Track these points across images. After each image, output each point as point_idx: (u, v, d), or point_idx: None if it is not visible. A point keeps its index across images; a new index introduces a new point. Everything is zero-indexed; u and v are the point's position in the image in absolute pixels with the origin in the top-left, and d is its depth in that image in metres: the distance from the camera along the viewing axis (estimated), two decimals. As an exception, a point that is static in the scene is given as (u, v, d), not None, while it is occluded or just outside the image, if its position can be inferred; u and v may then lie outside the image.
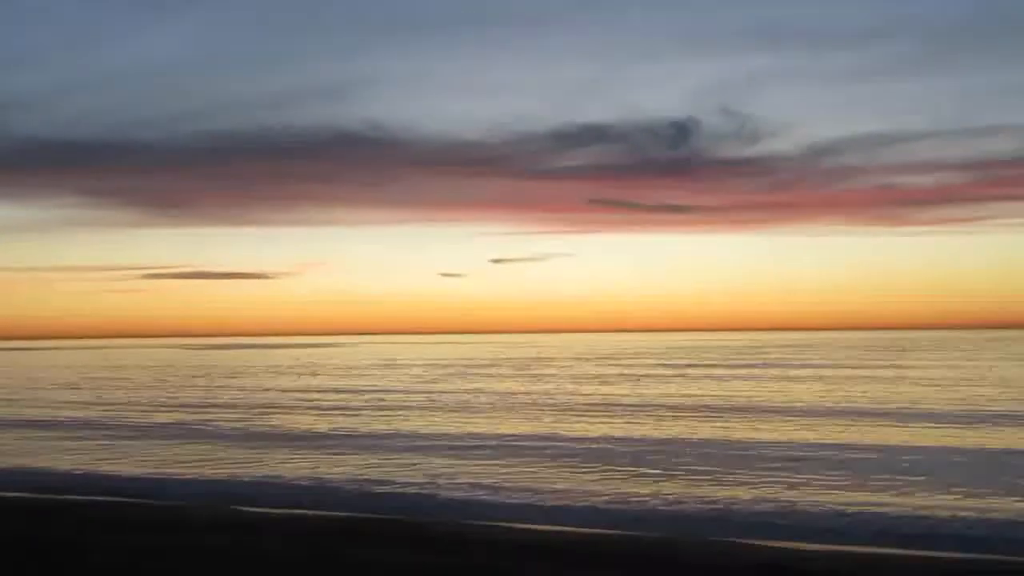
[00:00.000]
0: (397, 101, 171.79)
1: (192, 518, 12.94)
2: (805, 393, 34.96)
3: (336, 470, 17.74)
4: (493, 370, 58.31)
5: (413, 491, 15.47)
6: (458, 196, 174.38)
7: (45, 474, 18.00)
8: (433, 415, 28.52)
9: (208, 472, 17.95)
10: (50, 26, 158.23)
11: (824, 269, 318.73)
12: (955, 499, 13.89)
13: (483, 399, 34.40)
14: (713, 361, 67.48)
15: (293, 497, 15.19)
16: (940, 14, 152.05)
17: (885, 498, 14.07)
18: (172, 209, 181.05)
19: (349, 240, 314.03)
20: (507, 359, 77.84)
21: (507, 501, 14.52)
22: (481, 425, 25.40)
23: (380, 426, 25.57)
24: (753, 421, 25.39)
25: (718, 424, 24.76)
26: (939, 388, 36.38)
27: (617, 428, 24.25)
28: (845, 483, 15.40)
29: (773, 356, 75.72)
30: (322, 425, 26.10)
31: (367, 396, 36.73)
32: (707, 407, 29.69)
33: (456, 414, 28.80)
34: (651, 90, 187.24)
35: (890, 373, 48.00)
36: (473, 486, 15.66)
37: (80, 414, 30.80)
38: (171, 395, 39.26)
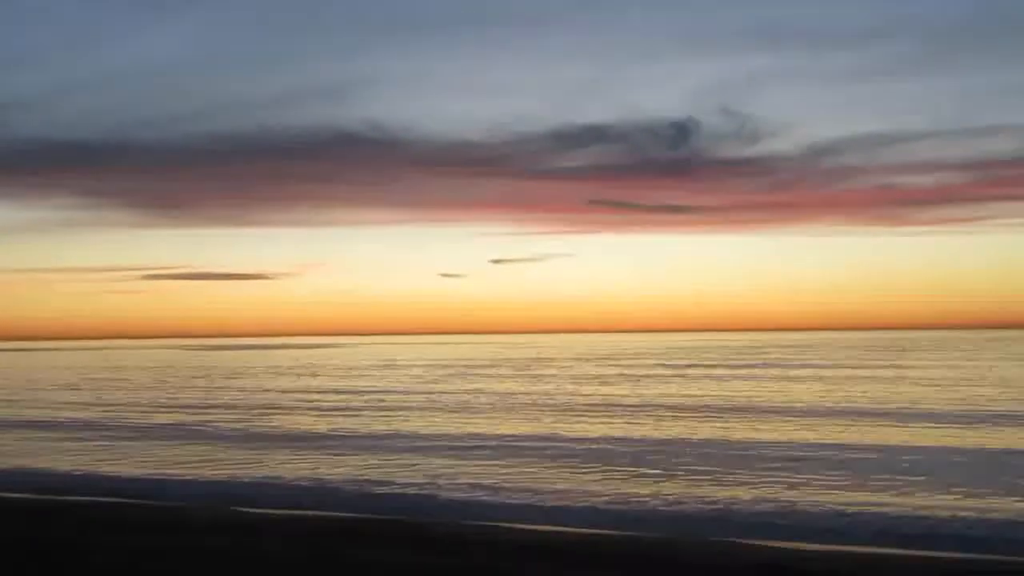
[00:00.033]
0: (397, 101, 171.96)
1: (192, 519, 12.94)
2: (805, 393, 34.96)
3: (336, 471, 17.74)
4: (493, 370, 58.31)
5: (413, 492, 15.47)
6: (458, 196, 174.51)
7: (45, 475, 18.01)
8: (433, 416, 28.53)
9: (208, 473, 17.96)
10: (50, 26, 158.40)
11: (824, 269, 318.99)
12: (955, 499, 13.89)
13: (483, 399, 34.40)
14: (713, 361, 67.48)
15: (293, 498, 15.20)
16: (940, 14, 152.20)
17: (885, 498, 14.07)
18: (172, 210, 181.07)
19: (349, 240, 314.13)
20: (507, 359, 77.83)
21: (507, 501, 14.52)
22: (481, 425, 25.41)
23: (380, 427, 25.57)
24: (753, 421, 25.39)
25: (718, 424, 24.77)
26: (939, 388, 36.38)
27: (617, 428, 24.25)
28: (845, 483, 15.41)
29: (773, 356, 75.71)
30: (322, 426, 26.10)
31: (367, 397, 36.73)
32: (707, 407, 29.69)
33: (456, 415, 28.81)
34: (651, 90, 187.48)
35: (890, 373, 48.00)
36: (473, 486, 15.67)
37: (80, 415, 30.81)
38: (171, 396, 39.27)
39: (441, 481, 16.23)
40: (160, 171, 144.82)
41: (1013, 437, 21.45)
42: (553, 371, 56.46)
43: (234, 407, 32.84)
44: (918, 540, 11.48)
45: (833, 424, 24.32)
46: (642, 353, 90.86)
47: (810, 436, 21.81)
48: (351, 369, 63.72)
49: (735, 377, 46.85)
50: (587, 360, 74.16)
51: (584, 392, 37.61)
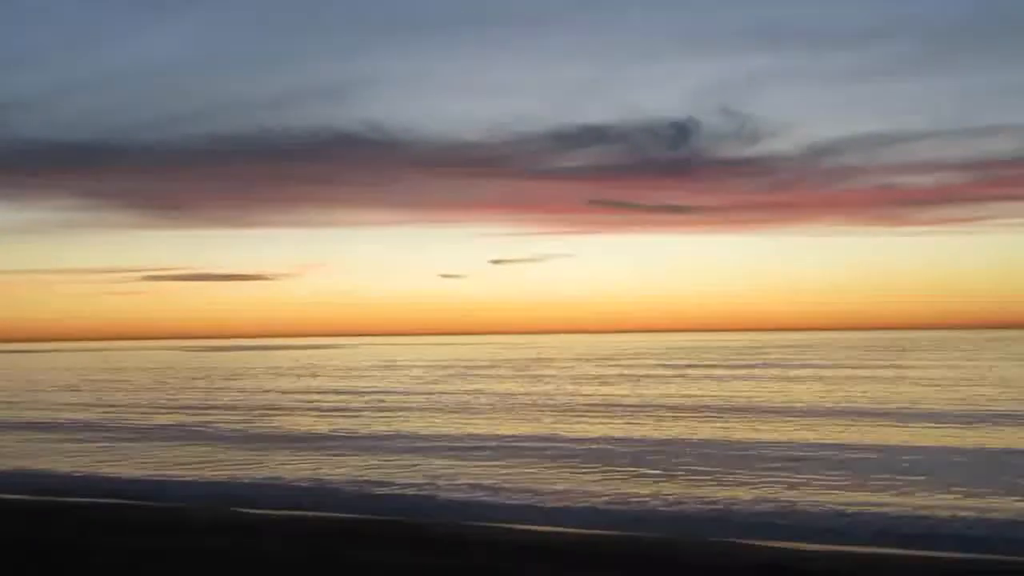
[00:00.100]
0: (397, 101, 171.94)
1: (192, 520, 12.94)
2: (805, 393, 34.97)
3: (336, 471, 17.74)
4: (493, 371, 58.31)
5: (413, 492, 15.47)
6: (458, 197, 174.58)
7: (45, 476, 18.02)
8: (433, 416, 28.53)
9: (208, 474, 17.96)
10: (50, 26, 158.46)
11: (824, 269, 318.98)
12: (955, 499, 13.90)
13: (483, 400, 34.40)
14: (713, 361, 67.48)
15: (293, 499, 15.20)
16: (940, 14, 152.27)
17: (885, 498, 14.07)
18: (172, 211, 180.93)
19: (349, 241, 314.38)
20: (507, 360, 77.84)
21: (507, 502, 14.53)
22: (481, 426, 25.41)
23: (380, 427, 25.57)
24: (753, 421, 25.40)
25: (718, 424, 24.77)
26: (939, 388, 36.38)
27: (617, 429, 24.25)
28: (845, 483, 15.41)
29: (773, 356, 75.71)
30: (322, 426, 26.10)
31: (367, 397, 36.73)
32: (707, 407, 29.70)
33: (456, 415, 28.81)
34: (651, 90, 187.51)
35: (890, 373, 48.01)
36: (473, 487, 15.67)
37: (80, 416, 30.81)
38: (171, 397, 39.27)
39: (441, 482, 16.23)
40: (160, 172, 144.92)
41: (1013, 437, 21.46)
42: (553, 371, 56.45)
43: (234, 408, 32.84)
44: (918, 540, 11.48)
45: (833, 424, 24.33)
46: (642, 353, 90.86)
47: (810, 436, 21.81)
48: (351, 370, 63.72)
49: (735, 377, 46.85)
50: (587, 360, 74.16)
51: (584, 392, 37.61)
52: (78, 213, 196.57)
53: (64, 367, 79.03)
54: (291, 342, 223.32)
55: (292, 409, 32.12)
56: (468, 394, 37.66)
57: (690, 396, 34.63)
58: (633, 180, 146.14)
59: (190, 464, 19.22)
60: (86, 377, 59.75)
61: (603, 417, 27.37)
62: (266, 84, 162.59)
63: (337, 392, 40.39)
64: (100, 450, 21.93)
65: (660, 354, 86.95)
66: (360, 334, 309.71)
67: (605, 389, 39.60)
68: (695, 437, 22.00)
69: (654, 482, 15.89)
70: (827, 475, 16.23)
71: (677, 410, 29.03)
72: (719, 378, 46.28)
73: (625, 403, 31.90)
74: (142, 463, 19.56)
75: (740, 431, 23.10)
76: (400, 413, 29.75)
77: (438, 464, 18.40)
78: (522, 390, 39.57)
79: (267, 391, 42.13)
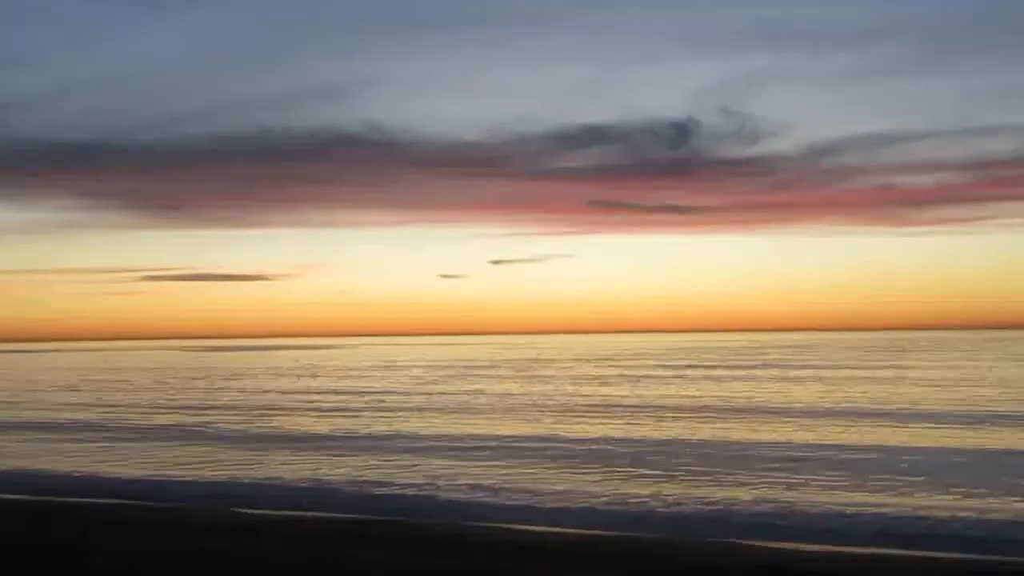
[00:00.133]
0: (397, 101, 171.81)
1: (192, 520, 12.95)
2: (805, 394, 34.97)
3: (336, 472, 17.75)
4: (493, 371, 58.32)
5: (413, 493, 15.48)
6: (458, 197, 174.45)
7: (45, 476, 18.02)
8: (433, 416, 28.54)
9: (208, 474, 17.97)
10: (50, 26, 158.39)
11: (824, 269, 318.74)
12: (954, 500, 13.91)
13: (483, 400, 34.41)
14: (713, 362, 67.49)
15: (293, 499, 15.21)
16: (940, 14, 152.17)
17: (885, 499, 14.08)
18: (172, 211, 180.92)
19: (349, 241, 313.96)
20: (507, 360, 77.84)
21: (507, 502, 14.54)
22: (481, 426, 25.41)
23: (380, 428, 25.58)
24: (753, 422, 25.40)
25: (718, 425, 24.77)
26: (939, 389, 36.39)
27: (617, 429, 24.26)
28: (845, 484, 15.42)
29: (773, 357, 75.72)
30: (322, 427, 26.11)
31: (367, 398, 36.74)
32: (707, 408, 29.71)
33: (456, 415, 28.81)
34: (651, 90, 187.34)
35: (890, 374, 48.01)
36: (473, 487, 15.68)
37: (80, 416, 30.81)
38: (171, 397, 39.28)
39: (441, 482, 16.24)
40: (160, 172, 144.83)
41: (1013, 437, 21.47)
42: (553, 372, 56.47)
43: (234, 408, 32.84)
44: (918, 541, 11.49)
45: (833, 425, 24.34)
46: (642, 354, 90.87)
47: (810, 437, 21.82)
48: (351, 370, 63.73)
49: (735, 378, 46.85)
50: (587, 361, 74.17)
51: (584, 393, 37.61)
52: (78, 213, 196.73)
53: (64, 367, 79.03)
54: (291, 342, 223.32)
55: (292, 409, 32.12)
56: (468, 394, 37.67)
57: (690, 396, 34.64)
58: (633, 180, 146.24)
59: (190, 464, 19.23)
60: (86, 377, 59.75)
61: (603, 417, 27.38)
62: (266, 84, 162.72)
63: (337, 392, 40.39)
64: (100, 450, 21.94)
65: (660, 354, 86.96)
66: (360, 334, 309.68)
67: (605, 389, 39.61)
68: (695, 438, 22.01)
69: (654, 483, 15.89)
70: (826, 476, 16.24)
71: (677, 410, 29.04)
72: (719, 378, 46.29)
73: (625, 403, 31.91)
74: (142, 463, 19.57)
75: (740, 432, 23.11)
76: (400, 413, 29.76)
77: (438, 464, 18.41)
78: (522, 390, 39.58)
79: (267, 391, 42.13)
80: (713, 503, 13.91)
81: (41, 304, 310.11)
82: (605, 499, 14.51)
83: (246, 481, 17.01)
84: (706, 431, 23.36)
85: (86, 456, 20.91)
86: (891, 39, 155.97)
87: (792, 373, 50.24)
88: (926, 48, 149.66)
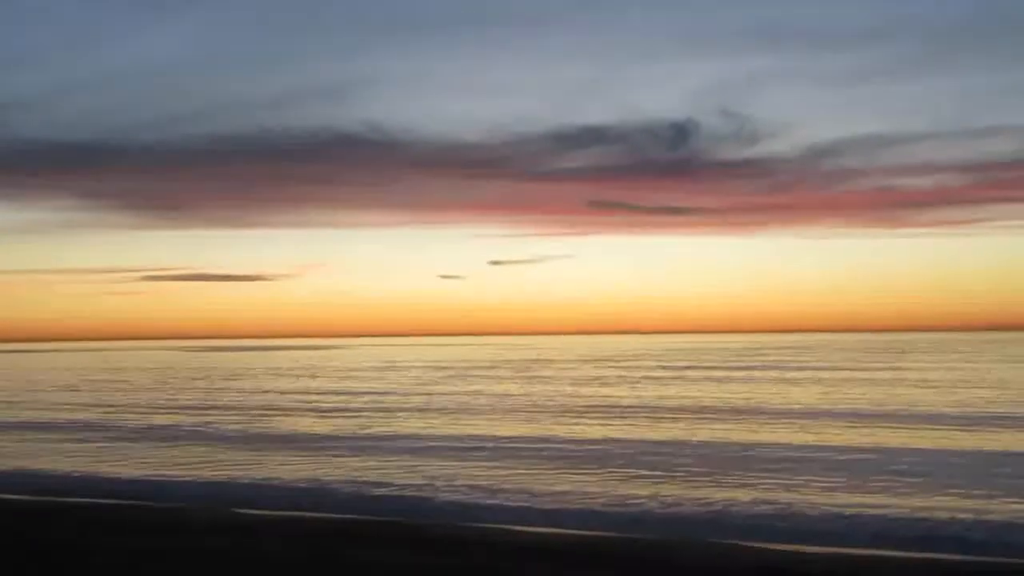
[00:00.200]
0: (397, 102, 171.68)
1: (192, 520, 12.97)
2: (804, 395, 34.99)
3: (335, 472, 17.76)
4: (492, 372, 58.34)
5: (412, 493, 15.48)
6: (457, 197, 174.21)
7: (45, 476, 18.03)
8: (432, 417, 28.55)
9: (207, 474, 17.98)
10: (50, 26, 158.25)
11: (823, 271, 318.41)
12: (953, 501, 13.92)
13: (482, 401, 34.42)
14: (712, 363, 67.51)
15: (292, 499, 15.23)
16: (940, 14, 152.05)
17: (884, 500, 14.10)
18: (171, 211, 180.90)
19: (349, 242, 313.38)
20: (506, 361, 77.86)
21: (506, 503, 14.54)
22: (480, 427, 25.43)
23: (379, 428, 25.60)
24: (752, 423, 25.42)
25: (717, 426, 24.79)
26: (937, 390, 36.41)
27: (616, 430, 24.27)
28: (843, 485, 15.44)
29: (772, 358, 75.73)
30: (321, 427, 26.13)
31: (366, 398, 36.76)
32: (706, 409, 29.72)
33: (455, 416, 28.82)
34: (650, 91, 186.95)
35: (888, 375, 48.03)
36: (472, 488, 15.68)
37: (80, 416, 30.82)
38: (170, 397, 39.29)
39: (439, 483, 16.24)
40: (160, 172, 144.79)
41: (1011, 439, 21.48)
42: (552, 373, 56.48)
43: (233, 408, 32.86)
44: (917, 542, 11.50)
45: (832, 426, 24.35)
46: (641, 354, 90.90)
47: (808, 438, 21.84)
48: (350, 370, 63.74)
49: (734, 379, 46.87)
50: (586, 361, 74.19)
51: (583, 394, 37.63)
52: (78, 213, 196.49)
53: (64, 367, 79.03)
54: (290, 343, 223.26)
55: (291, 410, 32.14)
56: (467, 395, 37.68)
57: (689, 397, 34.65)
58: (632, 181, 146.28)
59: (189, 464, 19.24)
60: (86, 377, 59.75)
61: (602, 418, 27.39)
62: (266, 84, 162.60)
63: (336, 393, 40.40)
64: (100, 450, 21.95)
65: (659, 355, 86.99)
66: (359, 335, 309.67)
67: (604, 390, 39.62)
68: (693, 439, 22.03)
69: (652, 484, 15.90)
70: (825, 477, 16.26)
71: (676, 412, 29.06)
72: (718, 379, 46.30)
73: (624, 404, 31.92)
74: (142, 463, 19.58)
75: (739, 433, 23.13)
76: (399, 414, 29.78)
77: (437, 465, 18.42)
78: (521, 391, 39.59)
79: (266, 392, 42.14)
80: (712, 504, 13.92)
81: (41, 304, 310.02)
82: (604, 500, 14.53)
83: (245, 481, 17.02)
84: (705, 432, 23.38)
85: (86, 456, 20.92)
86: (891, 40, 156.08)
87: (791, 374, 50.26)
88: (926, 49, 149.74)
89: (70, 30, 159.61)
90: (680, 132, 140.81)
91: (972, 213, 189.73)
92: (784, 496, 14.44)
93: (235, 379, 53.91)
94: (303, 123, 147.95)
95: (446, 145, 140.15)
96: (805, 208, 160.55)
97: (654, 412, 29.00)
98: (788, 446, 20.44)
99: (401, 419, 28.11)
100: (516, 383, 45.90)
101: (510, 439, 22.48)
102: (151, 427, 27.01)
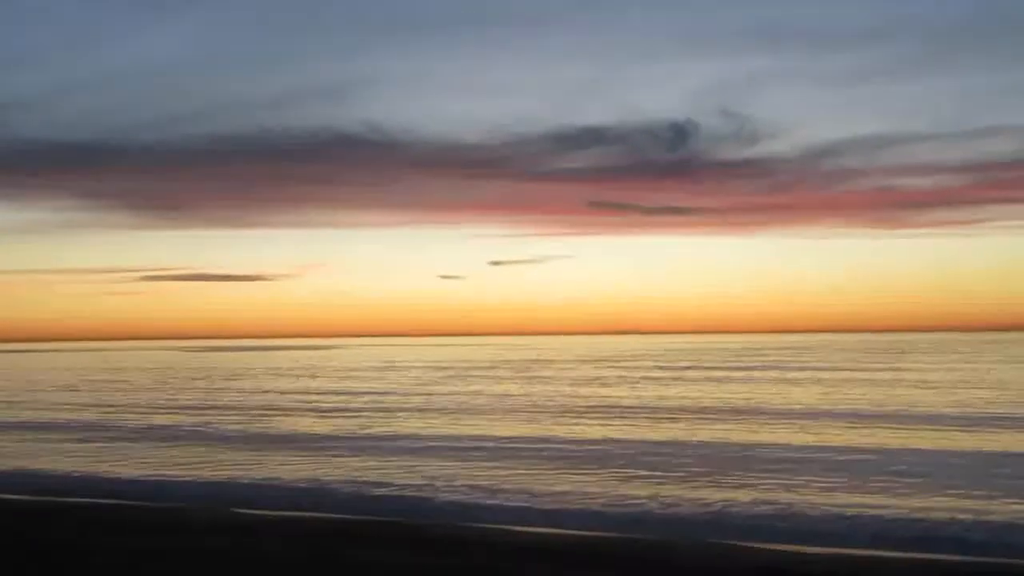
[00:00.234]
0: (397, 102, 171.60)
1: (192, 520, 12.97)
2: (804, 395, 35.00)
3: (335, 472, 17.76)
4: (492, 372, 58.34)
5: (412, 493, 15.48)
6: (457, 198, 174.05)
7: (45, 476, 18.04)
8: (432, 417, 28.55)
9: (207, 474, 17.98)
10: (50, 26, 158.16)
11: (823, 271, 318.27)
12: (953, 502, 13.92)
13: (482, 401, 34.43)
14: (712, 363, 67.52)
15: (292, 499, 15.23)
16: (940, 14, 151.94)
17: (883, 500, 14.10)
18: (171, 211, 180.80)
19: (348, 242, 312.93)
20: (506, 361, 77.86)
21: (505, 503, 14.55)
22: (480, 427, 25.43)
23: (379, 428, 25.60)
24: (752, 423, 25.43)
25: (717, 426, 24.79)
26: (937, 391, 36.41)
27: (615, 430, 24.28)
28: (843, 486, 15.44)
29: (772, 358, 75.73)
30: (321, 427, 26.13)
31: (366, 398, 36.76)
32: (706, 409, 29.73)
33: (455, 416, 28.83)
34: (650, 91, 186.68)
35: (889, 375, 48.03)
36: (472, 488, 15.68)
37: (80, 416, 30.83)
38: (170, 397, 39.29)
39: (439, 483, 16.24)
40: (160, 172, 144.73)
41: (1011, 439, 21.49)
42: (552, 373, 56.49)
43: (233, 408, 32.86)
44: (916, 543, 11.51)
45: (832, 426, 24.36)
46: (641, 355, 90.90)
47: (808, 438, 21.85)
48: (350, 371, 63.75)
49: (734, 379, 46.88)
50: (586, 362, 74.19)
51: (583, 394, 37.63)
52: (78, 213, 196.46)
53: (64, 367, 79.03)
54: (290, 343, 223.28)
55: (291, 410, 32.14)
56: (467, 395, 37.69)
57: (689, 398, 34.66)
58: (632, 181, 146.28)
59: (189, 464, 19.24)
60: (86, 377, 59.76)
61: (602, 419, 27.40)
62: (266, 84, 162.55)
63: (336, 393, 40.41)
64: (100, 450, 21.95)
65: (659, 356, 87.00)
66: (359, 335, 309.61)
67: (604, 391, 39.63)
68: (693, 439, 22.04)
69: (652, 484, 15.90)
70: (825, 477, 16.26)
71: (675, 412, 29.06)
72: (718, 380, 46.31)
73: (624, 405, 31.93)
74: (142, 463, 19.58)
75: (739, 433, 23.13)
76: (399, 414, 29.78)
77: (437, 465, 18.42)
78: (521, 391, 39.60)
79: (266, 392, 42.15)
80: (711, 505, 13.92)
81: (41, 304, 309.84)
82: (604, 500, 14.53)
83: (245, 481, 17.03)
84: (705, 432, 23.38)
85: (86, 456, 20.92)
86: (891, 40, 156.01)
87: (791, 375, 50.27)
88: (926, 49, 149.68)
89: (70, 30, 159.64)
90: (680, 132, 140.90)
91: (972, 213, 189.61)
92: (784, 496, 14.44)
93: (235, 379, 53.92)
94: (303, 123, 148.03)
95: (446, 145, 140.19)
96: (805, 208, 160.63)
97: (654, 412, 29.01)
98: (788, 446, 20.45)
99: (401, 419, 28.11)
100: (516, 383, 45.91)
101: (510, 439, 22.48)
102: (151, 427, 27.02)
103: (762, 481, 15.93)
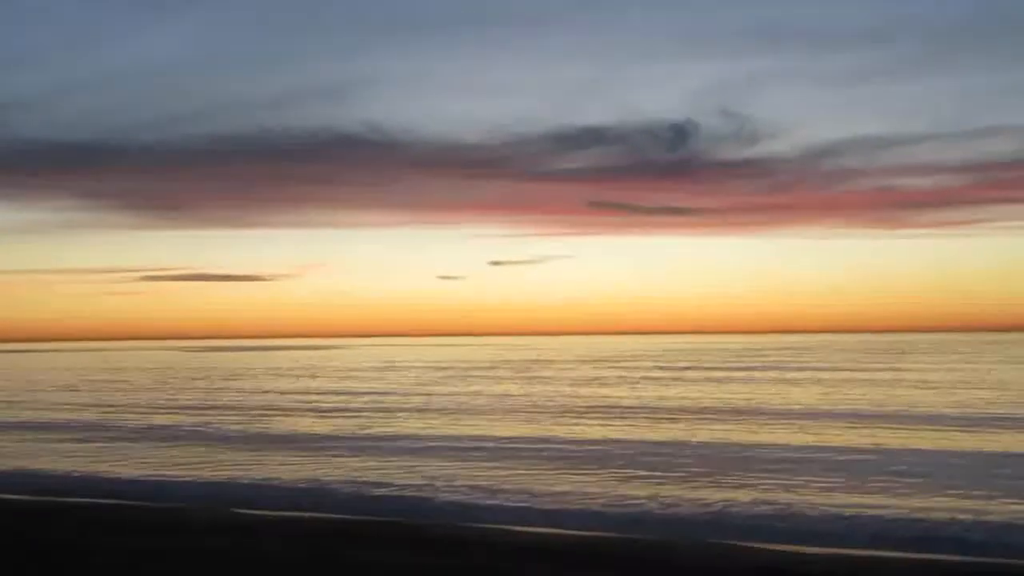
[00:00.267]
0: (397, 102, 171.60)
1: (192, 520, 12.98)
2: (803, 396, 35.01)
3: (335, 472, 17.77)
4: (492, 372, 58.35)
5: (411, 493, 15.49)
6: (457, 198, 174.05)
7: (45, 476, 18.04)
8: (432, 417, 28.56)
9: (207, 474, 17.99)
10: (50, 26, 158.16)
11: (823, 271, 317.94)
12: (953, 502, 13.93)
13: (482, 401, 34.44)
14: (712, 364, 67.53)
15: (292, 499, 15.24)
16: (940, 15, 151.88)
17: (883, 501, 14.11)
18: (171, 211, 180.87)
19: (348, 242, 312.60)
20: (506, 361, 77.87)
21: (505, 503, 14.55)
22: (480, 427, 25.44)
23: (379, 428, 25.61)
24: (751, 423, 25.43)
25: (716, 427, 24.80)
26: (937, 391, 36.42)
27: (615, 430, 24.29)
28: (843, 486, 15.45)
29: (772, 358, 75.75)
30: (321, 427, 26.14)
31: (366, 398, 36.77)
32: (705, 409, 29.74)
33: (455, 416, 28.84)
34: (650, 91, 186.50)
35: (888, 376, 48.05)
36: (472, 488, 15.69)
37: (80, 416, 30.83)
38: (170, 397, 39.29)
39: (439, 483, 16.24)
40: (160, 172, 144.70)
41: (1011, 440, 21.50)
42: (551, 373, 56.50)
43: (233, 408, 32.87)
44: (916, 543, 11.52)
45: (831, 426, 24.37)
46: (641, 355, 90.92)
47: (808, 438, 21.86)
48: (350, 371, 63.76)
49: (733, 379, 46.88)
50: (586, 362, 74.20)
51: (582, 394, 37.64)
52: (78, 213, 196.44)
53: (64, 367, 79.04)
54: (290, 343, 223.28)
55: (291, 410, 32.15)
56: (467, 395, 37.69)
57: (688, 398, 34.67)
58: (632, 182, 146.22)
59: (189, 464, 19.25)
60: (86, 377, 59.76)
61: (601, 419, 27.40)
62: (266, 84, 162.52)
63: (336, 393, 40.42)
64: (100, 450, 21.96)
65: (658, 356, 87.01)
66: (359, 335, 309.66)
67: (603, 391, 39.64)
68: (693, 439, 22.04)
69: (652, 484, 15.91)
70: (825, 478, 16.27)
71: (675, 412, 29.07)
72: (718, 380, 46.32)
73: (623, 405, 31.94)
74: (142, 463, 19.59)
75: (738, 433, 23.14)
76: (399, 414, 29.79)
77: (437, 465, 18.42)
78: (521, 392, 39.60)
79: (266, 392, 42.16)
80: (711, 505, 13.93)
81: (41, 304, 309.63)
82: (603, 500, 14.53)
83: (245, 481, 17.03)
84: (705, 433, 23.39)
85: (86, 456, 20.93)
86: (891, 40, 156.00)
87: (791, 375, 50.28)
88: (926, 49, 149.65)
89: (70, 30, 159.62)
90: (680, 132, 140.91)
91: (972, 214, 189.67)
92: (784, 497, 14.45)
93: (235, 379, 53.92)
94: (303, 123, 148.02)
95: (446, 145, 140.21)
96: (805, 208, 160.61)
97: (654, 413, 29.02)
98: (788, 447, 20.46)
99: (401, 419, 28.12)
100: (516, 383, 45.91)
101: (510, 439, 22.49)
102: (151, 427, 27.02)
103: (762, 481, 15.93)
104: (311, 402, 35.50)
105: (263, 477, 17.37)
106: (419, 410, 31.17)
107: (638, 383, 44.96)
